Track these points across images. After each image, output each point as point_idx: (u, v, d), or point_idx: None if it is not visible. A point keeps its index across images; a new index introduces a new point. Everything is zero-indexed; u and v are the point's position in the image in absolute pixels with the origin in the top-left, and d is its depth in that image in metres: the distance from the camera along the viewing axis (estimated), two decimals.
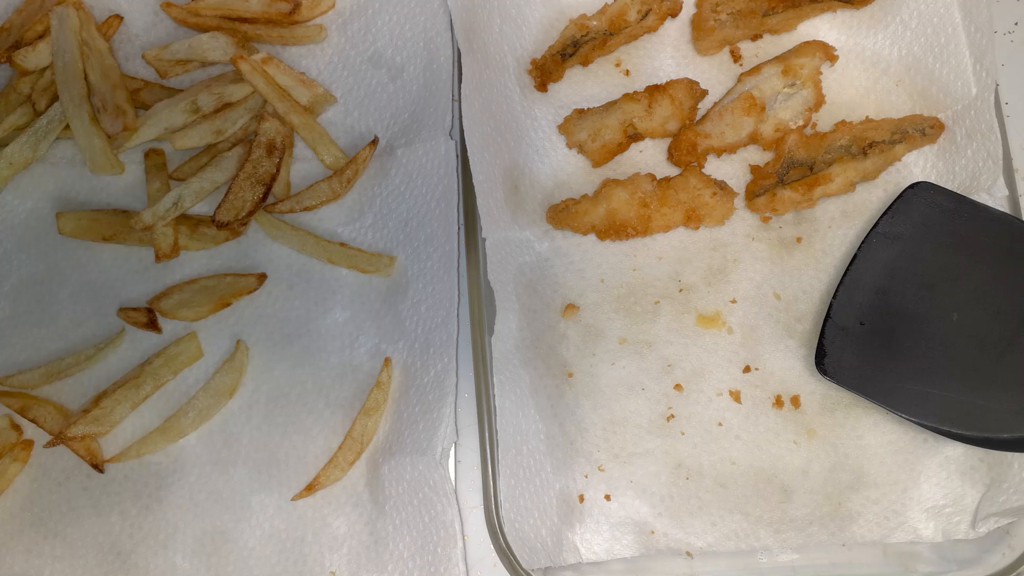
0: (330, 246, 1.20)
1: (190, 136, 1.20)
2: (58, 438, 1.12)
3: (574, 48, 1.24)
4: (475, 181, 1.16)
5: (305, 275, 1.22)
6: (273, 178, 1.20)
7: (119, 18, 1.28)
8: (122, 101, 1.21)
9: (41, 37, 1.24)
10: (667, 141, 1.24)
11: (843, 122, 1.21)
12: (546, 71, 1.25)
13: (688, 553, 1.12)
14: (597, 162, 1.23)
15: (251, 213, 1.19)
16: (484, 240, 1.17)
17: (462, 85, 1.20)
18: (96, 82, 1.21)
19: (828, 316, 1.12)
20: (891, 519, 1.12)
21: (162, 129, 1.19)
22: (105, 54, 1.23)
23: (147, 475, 1.16)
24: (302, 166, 1.26)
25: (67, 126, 1.23)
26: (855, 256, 1.14)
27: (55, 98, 1.22)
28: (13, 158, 1.21)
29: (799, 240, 1.21)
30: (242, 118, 1.22)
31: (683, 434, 1.15)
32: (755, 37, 1.27)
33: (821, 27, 1.28)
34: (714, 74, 1.27)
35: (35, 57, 1.23)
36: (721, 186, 1.19)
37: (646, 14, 1.24)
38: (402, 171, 1.24)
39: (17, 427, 1.16)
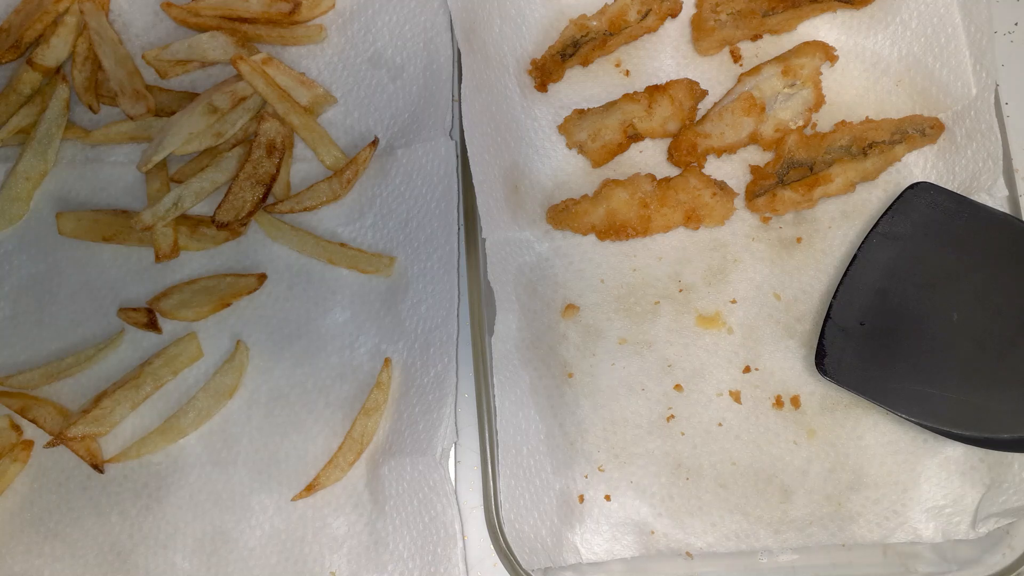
0: (330, 246, 1.20)
1: (190, 142, 1.20)
2: (58, 438, 1.12)
3: (574, 48, 1.24)
4: (475, 181, 1.16)
5: (305, 275, 1.22)
6: (273, 178, 1.20)
7: None
8: (140, 86, 1.23)
9: (42, 35, 1.24)
10: (667, 141, 1.24)
11: (843, 122, 1.21)
12: (546, 71, 1.25)
13: (688, 553, 1.12)
14: (597, 162, 1.23)
15: (251, 213, 1.19)
16: (484, 240, 1.17)
17: (462, 85, 1.19)
18: (111, 68, 1.22)
19: (828, 316, 1.12)
20: (891, 519, 1.13)
21: (186, 135, 1.18)
22: (117, 43, 1.25)
23: (147, 475, 1.16)
24: (302, 166, 1.26)
25: (68, 127, 1.23)
26: (855, 256, 1.14)
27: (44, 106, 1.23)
28: (28, 173, 1.22)
29: (799, 240, 1.21)
30: (242, 119, 1.22)
31: (683, 434, 1.15)
32: (755, 37, 1.27)
33: (821, 27, 1.28)
34: (714, 74, 1.27)
35: (53, 54, 1.23)
36: (721, 186, 1.19)
37: (646, 14, 1.24)
38: (402, 171, 1.24)
39: (17, 427, 1.16)
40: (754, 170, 1.23)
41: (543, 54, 1.25)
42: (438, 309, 1.18)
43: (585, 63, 1.26)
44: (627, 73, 1.28)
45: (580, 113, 1.23)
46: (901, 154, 1.21)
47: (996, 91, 1.20)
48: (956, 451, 1.14)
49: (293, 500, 1.14)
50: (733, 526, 1.12)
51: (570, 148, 1.24)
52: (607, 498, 1.13)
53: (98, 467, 1.14)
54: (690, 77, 1.24)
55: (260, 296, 1.21)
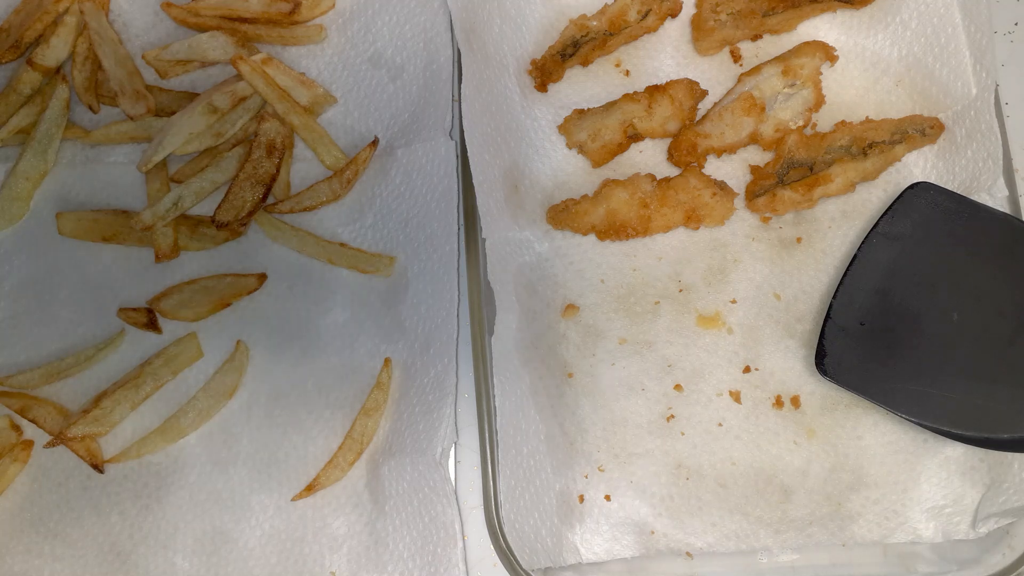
0: (330, 246, 1.20)
1: (190, 142, 1.20)
2: (58, 438, 1.12)
3: (574, 48, 1.24)
4: (475, 181, 1.16)
5: (305, 275, 1.22)
6: (273, 178, 1.20)
7: None
8: (140, 86, 1.23)
9: (42, 35, 1.24)
10: (667, 141, 1.24)
11: (843, 122, 1.21)
12: (546, 71, 1.25)
13: (688, 553, 1.12)
14: (597, 162, 1.23)
15: (251, 213, 1.19)
16: (484, 240, 1.17)
17: (462, 85, 1.19)
18: (111, 68, 1.22)
19: (828, 316, 1.12)
20: (891, 519, 1.13)
21: (186, 135, 1.18)
22: (117, 43, 1.24)
23: (147, 475, 1.16)
24: (302, 166, 1.26)
25: (68, 127, 1.23)
26: (855, 256, 1.14)
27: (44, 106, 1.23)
28: (28, 173, 1.22)
29: (799, 240, 1.21)
30: (242, 119, 1.22)
31: (683, 434, 1.15)
32: (755, 37, 1.27)
33: (821, 27, 1.28)
34: (714, 74, 1.27)
35: (53, 54, 1.23)
36: (721, 186, 1.19)
37: (646, 14, 1.24)
38: (402, 171, 1.24)
39: (17, 427, 1.16)
40: (754, 170, 1.23)
41: (543, 54, 1.25)
42: (438, 309, 1.18)
43: (585, 63, 1.26)
44: (627, 73, 1.28)
45: (580, 113, 1.23)
46: (901, 154, 1.21)
47: (996, 91, 1.20)
48: (956, 451, 1.14)
49: (293, 500, 1.14)
50: (733, 526, 1.12)
51: (570, 148, 1.24)
52: (607, 498, 1.13)
53: (98, 467, 1.14)
54: (690, 77, 1.24)
55: (260, 296, 1.21)
